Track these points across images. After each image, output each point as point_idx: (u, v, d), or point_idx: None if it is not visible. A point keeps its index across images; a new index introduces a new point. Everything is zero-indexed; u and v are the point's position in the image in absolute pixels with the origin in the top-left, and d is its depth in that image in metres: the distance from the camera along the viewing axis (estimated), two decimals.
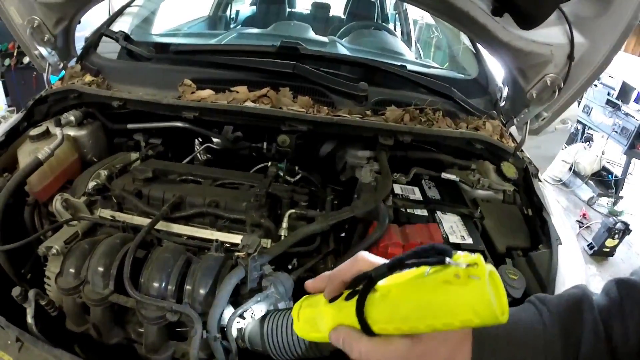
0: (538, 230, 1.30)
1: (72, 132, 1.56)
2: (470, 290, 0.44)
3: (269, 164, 1.54)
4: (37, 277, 1.30)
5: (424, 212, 1.36)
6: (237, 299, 1.06)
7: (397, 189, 1.45)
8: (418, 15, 3.59)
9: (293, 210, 1.31)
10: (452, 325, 0.46)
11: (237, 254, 1.10)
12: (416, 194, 1.46)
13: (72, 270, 1.13)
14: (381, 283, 0.54)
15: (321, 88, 1.51)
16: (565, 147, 5.48)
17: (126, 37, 1.69)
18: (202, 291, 1.07)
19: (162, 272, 1.08)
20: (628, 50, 6.99)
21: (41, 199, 1.40)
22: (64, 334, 1.17)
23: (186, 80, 1.50)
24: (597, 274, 4.00)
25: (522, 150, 1.64)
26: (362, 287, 0.54)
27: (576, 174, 5.38)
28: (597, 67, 1.41)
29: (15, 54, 3.98)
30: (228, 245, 1.22)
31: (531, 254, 1.20)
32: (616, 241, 4.00)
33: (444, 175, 1.55)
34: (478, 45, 2.03)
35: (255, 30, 2.22)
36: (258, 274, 1.04)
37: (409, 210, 1.35)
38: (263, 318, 1.03)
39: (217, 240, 1.18)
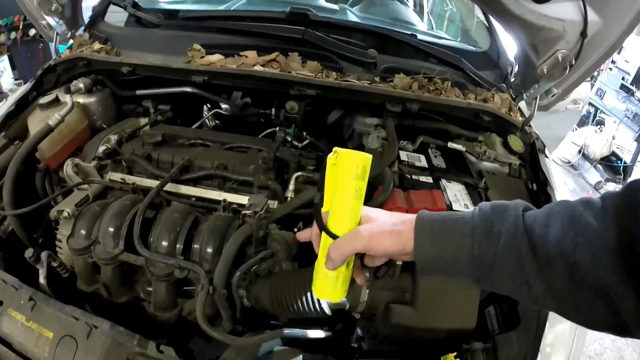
0: (541, 205, 1.29)
1: (81, 99, 1.56)
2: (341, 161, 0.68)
3: (277, 129, 1.53)
4: (49, 242, 1.32)
5: (429, 179, 1.35)
6: (244, 259, 1.06)
7: (404, 155, 1.44)
8: None
9: (300, 174, 1.30)
10: (350, 188, 0.67)
11: (244, 212, 1.10)
12: (422, 162, 1.45)
13: (83, 232, 1.15)
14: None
15: (330, 54, 1.49)
16: (576, 129, 5.37)
17: (134, 4, 1.67)
18: (209, 250, 1.07)
19: (170, 231, 1.09)
20: None
21: (52, 165, 1.41)
22: (75, 294, 1.20)
23: (195, 45, 1.48)
24: None
25: (530, 126, 1.61)
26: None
27: (585, 157, 5.28)
28: (609, 46, 1.38)
29: (21, 27, 3.94)
30: (235, 206, 1.23)
31: None
32: None
33: (451, 145, 1.53)
34: (491, 18, 1.98)
35: None
36: (264, 232, 1.04)
37: (414, 177, 1.34)
38: (269, 277, 1.03)
39: (224, 201, 1.18)
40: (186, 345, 1.21)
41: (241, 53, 1.45)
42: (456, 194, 1.33)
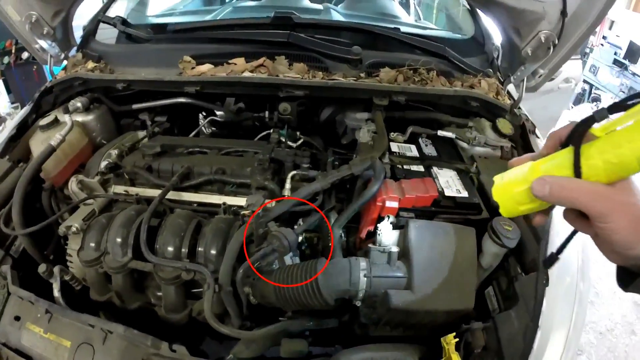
0: None
1: (80, 117, 1.61)
2: None
3: (271, 131, 1.58)
4: (60, 257, 1.38)
5: (420, 168, 1.38)
6: (247, 257, 1.11)
7: (394, 147, 1.48)
8: None
9: (295, 172, 1.35)
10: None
11: (242, 212, 1.15)
12: (413, 152, 1.49)
13: (92, 244, 1.20)
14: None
15: (316, 54, 1.54)
16: (573, 108, 5.38)
17: (123, 21, 1.72)
18: (213, 251, 1.13)
19: (175, 236, 1.15)
20: (637, 10, 6.74)
21: (57, 183, 1.46)
22: (89, 304, 1.25)
23: (185, 57, 1.53)
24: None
25: (519, 108, 1.64)
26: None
27: None
28: (591, 22, 1.40)
29: (13, 50, 3.97)
30: (235, 208, 1.28)
31: None
32: None
33: (441, 133, 1.56)
34: (476, 9, 2.01)
35: (250, 3, 2.22)
36: (263, 230, 1.09)
37: (405, 167, 1.38)
38: (272, 272, 1.08)
39: (224, 204, 1.23)
40: (198, 345, 1.27)
41: (230, 61, 1.50)
42: (448, 180, 1.36)
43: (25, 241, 1.28)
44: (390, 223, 1.15)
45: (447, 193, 1.27)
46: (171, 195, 1.34)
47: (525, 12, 1.41)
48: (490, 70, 1.77)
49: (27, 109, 1.57)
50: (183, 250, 1.13)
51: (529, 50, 1.52)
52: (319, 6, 2.05)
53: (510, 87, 1.83)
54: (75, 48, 1.75)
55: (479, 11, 2.03)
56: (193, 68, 1.50)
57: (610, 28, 5.19)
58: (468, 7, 2.14)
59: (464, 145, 1.58)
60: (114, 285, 1.20)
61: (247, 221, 1.10)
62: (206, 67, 1.50)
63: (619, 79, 4.91)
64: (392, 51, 1.67)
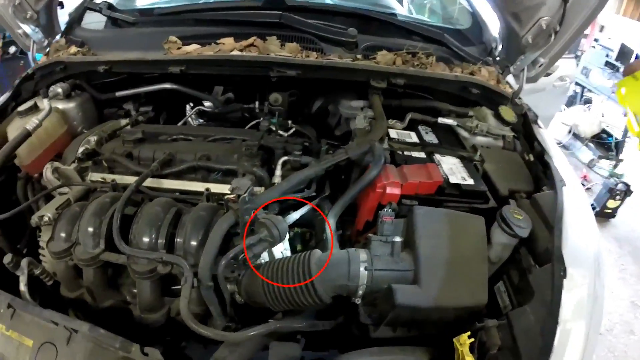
0: (540, 174, 1.20)
1: (60, 104, 1.46)
2: None
3: (261, 119, 1.44)
4: (34, 252, 1.19)
5: (422, 155, 1.26)
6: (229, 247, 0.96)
7: (393, 133, 1.35)
8: None
9: (286, 158, 1.21)
10: None
11: (227, 197, 1.00)
12: (413, 138, 1.36)
13: (62, 234, 1.05)
14: None
15: (309, 36, 1.41)
16: (565, 110, 5.26)
17: (109, 6, 1.59)
18: (193, 242, 0.97)
19: (151, 225, 1.00)
20: (627, 14, 6.69)
21: (32, 172, 1.32)
22: (60, 302, 1.10)
23: (171, 37, 1.40)
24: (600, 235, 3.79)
25: (520, 98, 1.50)
26: None
27: (576, 136, 5.15)
28: (592, 8, 1.30)
29: (0, 45, 3.82)
30: (220, 195, 1.12)
31: (535, 195, 1.10)
32: (618, 202, 3.79)
33: (441, 120, 1.44)
34: None
35: None
36: (249, 217, 0.94)
37: (405, 153, 1.25)
38: (260, 267, 0.93)
39: (207, 189, 1.08)
40: (179, 349, 1.11)
41: (218, 41, 1.36)
42: (452, 167, 1.23)
43: None
44: (392, 210, 1.00)
45: (452, 180, 1.15)
46: (151, 183, 1.20)
47: None
48: (490, 59, 1.65)
49: (5, 96, 1.43)
50: (160, 241, 0.98)
51: (529, 37, 1.41)
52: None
53: (509, 79, 1.71)
54: (59, 35, 1.61)
55: (475, 3, 1.93)
56: (179, 48, 1.37)
57: (601, 31, 5.11)
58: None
59: (465, 134, 1.45)
60: (85, 280, 1.05)
61: (232, 207, 0.95)
62: (192, 47, 1.36)
63: (611, 81, 4.81)
64: (388, 36, 1.54)
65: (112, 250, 1.01)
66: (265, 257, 0.99)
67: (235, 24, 1.46)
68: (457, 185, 1.13)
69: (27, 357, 0.90)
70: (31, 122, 1.25)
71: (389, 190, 1.07)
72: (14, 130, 1.36)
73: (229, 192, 1.09)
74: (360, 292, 0.87)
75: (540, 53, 1.46)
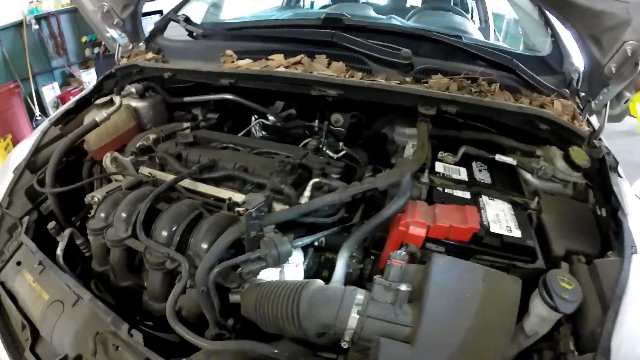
0: (611, 235, 0.97)
1: (133, 102, 1.61)
2: None
3: (312, 138, 1.44)
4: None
5: (466, 195, 1.10)
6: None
7: (440, 167, 1.22)
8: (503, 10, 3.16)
9: (318, 180, 1.15)
10: None
11: (237, 209, 0.98)
12: (461, 175, 1.21)
13: (102, 214, 1.14)
14: None
15: (360, 56, 1.34)
16: None
17: (186, 18, 1.72)
18: (203, 245, 0.97)
19: (171, 222, 1.02)
20: None
21: (96, 157, 1.46)
22: (88, 273, 1.19)
23: (227, 50, 1.45)
24: None
25: (600, 139, 1.25)
26: None
27: None
28: None
29: (103, 43, 4.43)
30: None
31: (596, 261, 0.88)
32: None
33: (499, 157, 1.25)
34: (551, 21, 1.66)
35: (314, 10, 2.11)
36: (256, 233, 0.90)
37: (447, 191, 1.11)
38: (258, 285, 0.89)
39: (229, 199, 1.08)
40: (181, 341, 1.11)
41: (269, 57, 1.38)
42: (498, 213, 1.06)
43: (53, 200, 1.27)
44: (407, 253, 0.88)
45: (493, 229, 0.98)
46: (189, 185, 1.24)
47: (605, 15, 1.08)
48: (567, 90, 1.39)
49: (90, 88, 1.62)
50: (175, 237, 1.00)
51: (612, 66, 1.15)
52: (382, 17, 1.85)
53: (592, 119, 1.43)
54: (143, 41, 1.78)
55: (557, 28, 1.67)
56: (233, 62, 1.41)
57: None
58: (542, 20, 1.78)
59: (527, 176, 1.25)
60: (111, 258, 1.11)
61: (240, 219, 0.93)
62: (245, 62, 1.40)
63: None
64: (449, 60, 1.40)
65: (138, 239, 1.04)
66: (275, 277, 0.94)
67: (290, 41, 1.46)
68: (499, 236, 0.96)
69: (40, 307, 1.00)
70: (101, 114, 1.39)
71: (411, 230, 0.95)
72: (88, 119, 1.53)
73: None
74: (348, 337, 0.76)
75: (626, 85, 1.17)
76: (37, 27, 4.09)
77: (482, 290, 0.79)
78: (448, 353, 0.72)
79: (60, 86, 4.53)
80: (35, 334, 0.99)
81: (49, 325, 0.96)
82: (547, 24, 1.72)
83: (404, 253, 0.82)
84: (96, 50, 4.58)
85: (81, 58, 4.68)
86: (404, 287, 0.77)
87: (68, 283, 0.97)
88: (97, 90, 1.60)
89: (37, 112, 4.18)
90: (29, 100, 4.16)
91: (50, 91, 4.37)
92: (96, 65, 4.64)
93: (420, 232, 0.93)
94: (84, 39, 4.51)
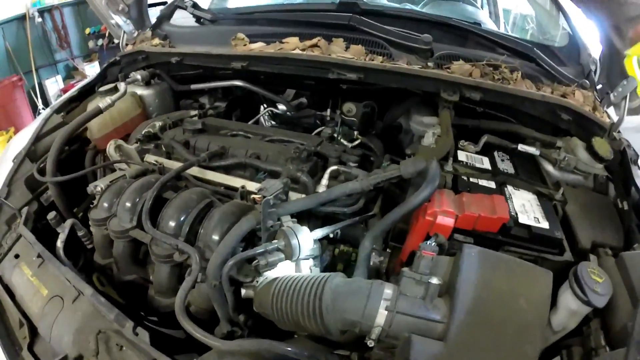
0: (634, 228, 0.94)
1: (139, 90, 1.54)
2: None
3: (325, 126, 1.36)
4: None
5: (491, 184, 1.05)
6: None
7: (462, 156, 1.16)
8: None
9: (336, 167, 1.08)
10: None
11: (252, 196, 0.91)
12: (484, 164, 1.14)
13: (105, 204, 1.06)
14: None
15: (379, 40, 1.26)
16: None
17: (194, 4, 1.64)
18: (215, 236, 0.89)
19: (180, 211, 0.94)
20: None
21: (100, 146, 1.38)
22: (90, 266, 1.12)
23: (239, 34, 1.37)
24: None
25: (619, 131, 1.20)
26: None
27: None
28: None
29: (107, 34, 4.33)
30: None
31: (623, 254, 0.84)
32: None
33: (521, 147, 1.19)
34: (567, 14, 1.60)
35: None
36: (273, 222, 0.83)
37: (471, 180, 1.05)
38: (274, 279, 0.81)
39: (243, 187, 1.00)
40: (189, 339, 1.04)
41: (283, 40, 1.30)
42: (525, 204, 1.00)
43: (53, 190, 1.20)
44: (437, 244, 0.81)
45: (522, 219, 0.92)
46: (198, 173, 1.17)
47: (628, 5, 1.03)
48: (587, 81, 1.33)
49: (94, 76, 1.55)
50: (184, 228, 0.92)
51: None
52: (395, 4, 1.78)
53: (610, 111, 1.37)
54: (149, 29, 1.71)
55: (573, 19, 1.61)
56: (245, 45, 1.33)
57: None
58: (557, 12, 1.72)
59: (549, 168, 1.19)
60: (114, 250, 1.04)
61: (257, 209, 0.85)
62: (257, 45, 1.32)
63: None
64: (469, 47, 1.33)
65: (143, 229, 0.98)
66: (290, 270, 0.87)
67: (305, 25, 1.38)
68: (527, 227, 0.90)
69: (39, 303, 0.93)
70: (104, 101, 1.32)
71: (439, 219, 0.88)
72: (91, 106, 1.46)
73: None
74: (375, 334, 0.69)
75: None
76: (40, 20, 4.01)
77: (515, 283, 0.73)
78: (482, 350, 0.66)
79: (64, 79, 4.45)
80: (34, 332, 0.91)
81: (47, 323, 0.89)
82: (563, 15, 1.66)
83: (434, 244, 0.75)
84: (100, 42, 4.50)
85: (85, 51, 4.60)
86: (435, 281, 0.70)
87: (68, 277, 0.90)
88: (101, 78, 1.54)
89: (40, 105, 4.11)
90: (32, 94, 4.08)
91: (54, 84, 4.29)
92: (100, 57, 4.56)
93: (449, 222, 0.87)
94: (87, 30, 4.43)
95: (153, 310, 0.98)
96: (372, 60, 1.17)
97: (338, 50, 1.21)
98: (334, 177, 1.09)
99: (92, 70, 4.47)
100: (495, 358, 0.66)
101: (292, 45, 1.24)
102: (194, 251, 0.84)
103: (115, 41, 3.94)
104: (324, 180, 1.07)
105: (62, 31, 4.24)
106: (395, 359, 0.71)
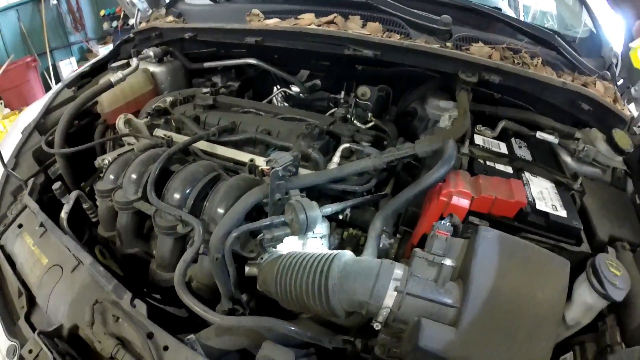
0: None
1: (151, 67, 1.50)
2: None
3: (338, 107, 1.32)
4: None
5: (508, 169, 1.00)
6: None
7: (479, 140, 1.11)
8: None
9: (348, 145, 1.04)
10: None
11: (261, 167, 0.87)
12: (501, 149, 1.09)
13: (111, 176, 1.03)
14: None
15: (397, 19, 1.20)
16: None
17: None
18: (220, 210, 0.85)
19: (185, 183, 0.91)
20: None
21: (110, 120, 1.35)
22: (93, 239, 1.10)
23: (254, 10, 1.32)
24: None
25: (639, 126, 1.13)
26: None
27: None
28: None
29: (121, 16, 4.30)
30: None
31: None
32: None
33: (540, 134, 1.13)
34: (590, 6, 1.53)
35: None
36: (281, 196, 0.79)
37: (488, 163, 1.00)
38: (279, 256, 0.78)
39: (252, 160, 0.97)
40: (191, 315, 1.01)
41: (298, 17, 1.25)
42: (542, 191, 0.95)
43: (61, 162, 1.18)
44: (452, 225, 0.76)
45: (540, 206, 0.87)
46: (207, 147, 1.13)
47: None
48: (608, 73, 1.27)
49: (106, 52, 1.51)
50: (189, 201, 0.88)
51: None
52: None
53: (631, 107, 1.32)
54: (163, 6, 1.67)
55: (595, 12, 1.54)
56: (259, 21, 1.29)
57: None
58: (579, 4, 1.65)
59: (567, 158, 1.13)
60: (118, 223, 1.01)
61: (265, 182, 0.81)
62: (273, 21, 1.27)
63: None
64: (489, 32, 1.27)
65: (148, 201, 0.94)
66: (297, 248, 0.83)
67: (321, 2, 1.33)
68: (545, 214, 0.85)
69: (38, 272, 0.90)
70: (115, 75, 1.29)
71: (454, 200, 0.83)
72: (103, 80, 1.44)
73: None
74: (383, 316, 0.65)
75: None
76: (55, 2, 3.99)
77: (532, 272, 0.68)
78: (494, 341, 0.61)
79: (78, 61, 4.45)
80: (32, 301, 0.88)
81: (45, 292, 0.86)
82: (584, 7, 1.59)
83: (449, 224, 0.71)
84: (114, 24, 4.48)
85: (99, 34, 4.58)
86: (448, 262, 0.66)
87: (68, 246, 0.87)
88: (115, 55, 1.51)
89: (54, 86, 4.12)
90: (46, 75, 4.08)
91: (68, 66, 4.29)
92: (114, 40, 4.55)
93: (464, 203, 0.82)
94: (102, 12, 4.41)
95: (154, 285, 0.95)
96: (390, 37, 1.12)
97: (355, 27, 1.16)
98: (345, 156, 1.04)
99: (106, 52, 4.48)
100: (507, 350, 0.61)
101: (308, 21, 1.19)
102: (198, 222, 0.80)
103: (130, 22, 3.90)
104: (336, 158, 1.03)
105: (76, 13, 4.23)
106: (402, 345, 0.66)
